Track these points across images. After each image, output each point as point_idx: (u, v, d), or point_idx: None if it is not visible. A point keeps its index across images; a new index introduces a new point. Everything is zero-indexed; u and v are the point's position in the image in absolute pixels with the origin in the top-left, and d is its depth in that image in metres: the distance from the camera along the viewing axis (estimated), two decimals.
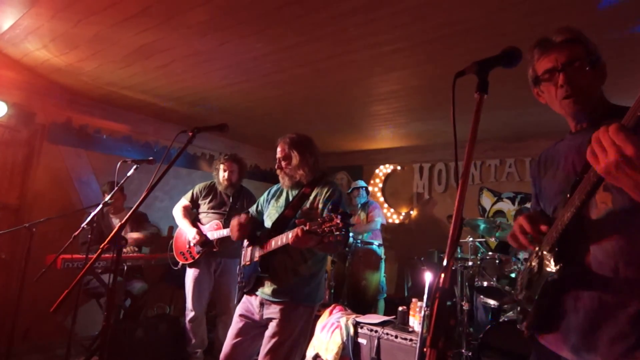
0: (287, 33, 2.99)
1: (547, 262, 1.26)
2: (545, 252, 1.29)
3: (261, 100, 4.49)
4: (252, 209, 2.80)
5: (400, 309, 3.55)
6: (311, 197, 2.43)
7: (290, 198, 2.53)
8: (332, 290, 4.58)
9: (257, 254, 2.47)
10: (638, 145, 0.87)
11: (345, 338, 3.48)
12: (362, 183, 5.81)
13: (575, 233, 1.21)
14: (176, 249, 3.94)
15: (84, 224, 2.88)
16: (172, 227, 5.36)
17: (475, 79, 1.05)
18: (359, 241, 5.09)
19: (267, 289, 2.39)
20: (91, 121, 4.96)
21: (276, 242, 2.30)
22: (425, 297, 3.03)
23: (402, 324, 3.48)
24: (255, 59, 3.46)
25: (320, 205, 2.36)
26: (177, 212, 3.96)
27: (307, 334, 2.47)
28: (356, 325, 3.55)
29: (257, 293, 2.42)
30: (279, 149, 2.54)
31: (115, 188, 2.92)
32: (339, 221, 1.89)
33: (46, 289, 3.14)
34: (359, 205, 5.58)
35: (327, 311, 3.84)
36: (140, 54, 3.46)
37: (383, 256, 5.34)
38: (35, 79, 4.24)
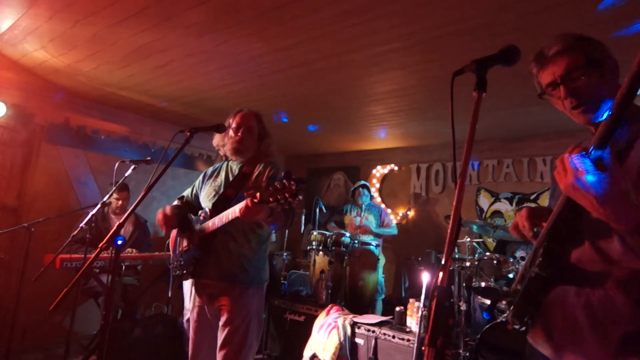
0: (284, 33, 3.00)
1: (537, 256, 1.26)
2: (538, 246, 1.28)
3: (258, 100, 4.49)
4: (187, 193, 2.62)
5: (397, 309, 3.56)
6: (253, 177, 2.35)
7: (231, 177, 2.43)
8: (330, 291, 4.57)
9: (196, 238, 2.34)
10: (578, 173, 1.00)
11: (342, 338, 3.48)
12: (362, 182, 5.79)
13: (570, 228, 1.20)
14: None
15: (82, 224, 2.88)
16: None
17: (473, 80, 1.04)
18: (356, 241, 5.08)
19: (210, 274, 2.25)
20: (89, 122, 4.98)
21: (220, 219, 2.16)
22: (422, 297, 3.03)
23: (400, 324, 3.48)
24: (253, 59, 3.46)
25: (264, 185, 2.20)
26: None
27: (262, 316, 2.36)
28: (353, 325, 3.55)
29: (202, 280, 2.29)
30: (241, 118, 2.40)
31: (114, 188, 2.92)
32: (294, 188, 1.77)
33: (45, 288, 3.14)
34: (364, 206, 5.56)
35: (324, 311, 3.84)
36: (138, 54, 3.47)
37: (382, 257, 5.35)
38: (33, 80, 4.25)
